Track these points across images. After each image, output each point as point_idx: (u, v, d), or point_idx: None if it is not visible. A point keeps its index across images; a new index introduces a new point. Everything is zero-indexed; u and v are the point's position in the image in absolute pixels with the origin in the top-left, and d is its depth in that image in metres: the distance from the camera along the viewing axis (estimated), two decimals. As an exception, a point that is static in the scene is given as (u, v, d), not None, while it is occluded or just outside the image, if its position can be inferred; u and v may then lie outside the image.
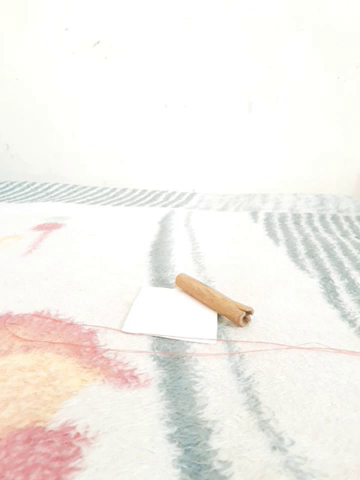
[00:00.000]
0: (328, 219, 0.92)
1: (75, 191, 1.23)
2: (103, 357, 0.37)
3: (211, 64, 1.17)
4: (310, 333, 0.42)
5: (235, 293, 0.51)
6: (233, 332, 0.42)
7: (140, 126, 1.27)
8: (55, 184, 1.29)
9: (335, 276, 0.57)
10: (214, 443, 0.27)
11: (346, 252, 0.66)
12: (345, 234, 0.79)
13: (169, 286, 0.53)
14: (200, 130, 1.24)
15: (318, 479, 0.25)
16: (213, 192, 1.26)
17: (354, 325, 0.44)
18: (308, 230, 0.81)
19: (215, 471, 0.25)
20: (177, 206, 1.07)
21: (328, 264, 0.61)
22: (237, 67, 1.16)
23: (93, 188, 1.28)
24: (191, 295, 0.49)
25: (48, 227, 0.79)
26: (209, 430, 0.28)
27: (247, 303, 0.47)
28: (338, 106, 1.15)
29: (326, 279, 0.56)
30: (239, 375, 0.35)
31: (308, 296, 0.51)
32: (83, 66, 1.24)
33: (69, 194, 1.20)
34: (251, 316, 0.43)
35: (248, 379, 0.34)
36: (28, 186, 1.26)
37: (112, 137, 1.29)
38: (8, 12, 1.23)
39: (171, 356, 0.37)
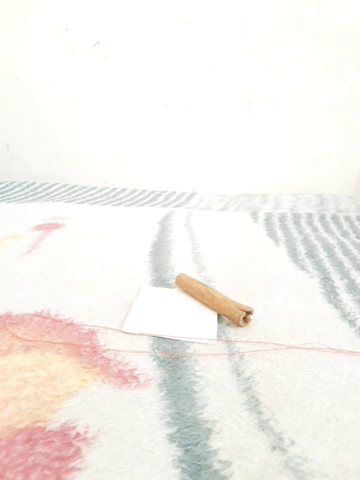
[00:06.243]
0: (328, 219, 0.92)
1: (75, 191, 1.23)
2: (103, 357, 0.37)
3: (211, 64, 1.17)
4: (310, 333, 0.42)
5: (235, 293, 0.51)
6: (233, 332, 0.42)
7: (140, 126, 1.27)
8: (55, 184, 1.29)
9: (335, 276, 0.57)
10: (214, 443, 0.27)
11: (346, 252, 0.66)
12: (345, 234, 0.79)
13: (169, 286, 0.53)
14: (200, 130, 1.24)
15: (318, 479, 0.25)
16: (213, 192, 1.26)
17: (354, 325, 0.44)
18: (308, 230, 0.81)
19: (215, 471, 0.25)
20: (177, 206, 1.07)
21: (328, 264, 0.61)
22: (237, 67, 1.16)
23: (93, 188, 1.28)
24: (191, 295, 0.49)
25: (48, 227, 0.79)
26: (209, 430, 0.28)
27: (247, 303, 0.47)
28: (338, 106, 1.15)
29: (326, 279, 0.56)
30: (239, 375, 0.35)
31: (308, 296, 0.51)
32: (83, 66, 1.24)
33: (69, 194, 1.20)
34: (251, 316, 0.43)
35: (248, 379, 0.34)
36: (28, 186, 1.26)
37: (112, 137, 1.29)
38: (8, 12, 1.23)
39: (171, 356, 0.37)
